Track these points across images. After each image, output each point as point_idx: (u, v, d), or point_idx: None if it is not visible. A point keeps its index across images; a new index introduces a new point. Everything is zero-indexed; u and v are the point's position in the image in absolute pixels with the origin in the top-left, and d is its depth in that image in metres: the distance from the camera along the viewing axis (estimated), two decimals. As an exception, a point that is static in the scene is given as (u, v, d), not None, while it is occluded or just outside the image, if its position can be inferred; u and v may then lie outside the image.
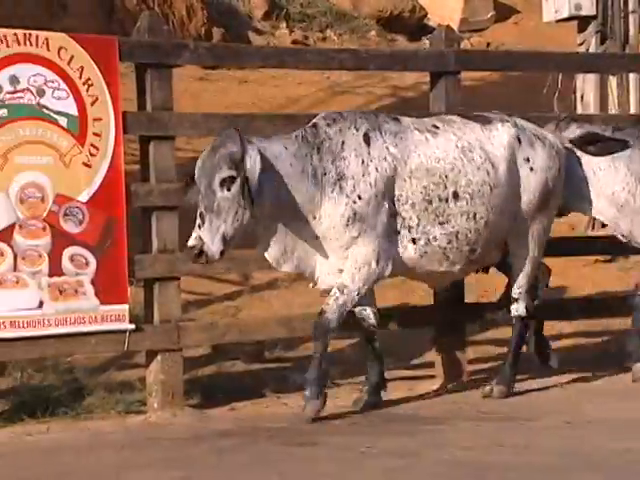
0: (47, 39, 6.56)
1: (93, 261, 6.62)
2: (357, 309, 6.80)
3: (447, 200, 6.74)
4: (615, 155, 7.38)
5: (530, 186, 7.08)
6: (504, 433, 6.15)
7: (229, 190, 6.21)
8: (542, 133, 7.31)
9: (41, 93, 6.50)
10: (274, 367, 7.87)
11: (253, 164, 6.18)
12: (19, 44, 6.45)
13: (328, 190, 6.51)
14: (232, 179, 6.20)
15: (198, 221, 6.22)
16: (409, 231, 6.70)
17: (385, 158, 6.62)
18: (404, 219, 6.68)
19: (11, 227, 6.42)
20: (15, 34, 6.48)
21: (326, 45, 15.75)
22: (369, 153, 6.60)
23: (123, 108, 6.87)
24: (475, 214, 6.82)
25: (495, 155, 6.94)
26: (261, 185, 6.23)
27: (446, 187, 6.73)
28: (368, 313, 6.85)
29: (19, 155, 6.46)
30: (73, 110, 6.63)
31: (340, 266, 6.60)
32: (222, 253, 6.26)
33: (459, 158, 6.81)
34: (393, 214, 6.65)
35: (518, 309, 7.21)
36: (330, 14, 17.17)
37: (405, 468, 5.36)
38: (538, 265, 7.34)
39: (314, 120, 6.75)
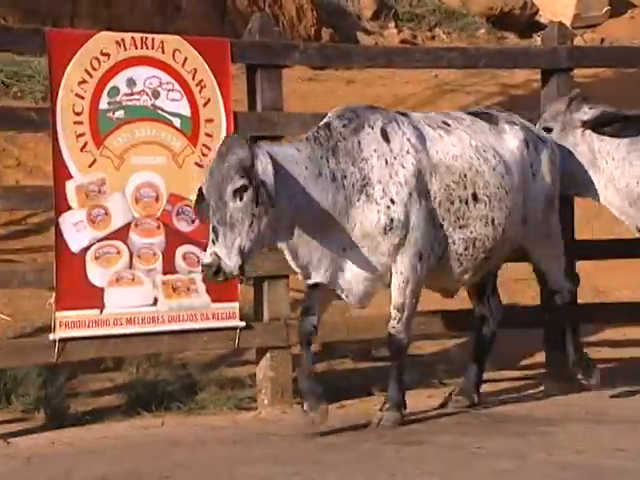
0: (162, 42, 6.75)
1: (206, 261, 6.82)
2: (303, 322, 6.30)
3: (467, 202, 6.35)
4: (633, 148, 6.92)
5: (535, 190, 6.73)
6: (618, 436, 6.09)
7: (241, 200, 5.81)
8: (542, 134, 6.96)
9: (156, 95, 6.69)
10: (382, 366, 7.92)
11: (265, 168, 5.82)
12: (136, 47, 6.65)
13: (354, 197, 6.14)
14: (244, 188, 5.80)
15: (212, 236, 5.89)
16: (438, 231, 6.31)
17: (408, 151, 6.24)
18: (435, 217, 6.29)
19: (127, 226, 6.61)
20: (132, 37, 6.68)
21: (435, 44, 15.75)
22: (391, 150, 6.21)
23: (234, 109, 6.99)
24: (493, 219, 6.44)
25: (507, 158, 6.58)
26: (277, 190, 5.85)
27: (465, 187, 6.36)
28: (312, 326, 6.30)
29: (135, 155, 6.65)
30: (186, 111, 6.79)
31: (377, 276, 6.25)
32: (241, 267, 5.86)
33: (476, 158, 6.44)
34: (430, 210, 6.27)
35: (564, 297, 6.99)
36: (439, 12, 17.13)
37: (515, 470, 5.36)
38: (563, 257, 7.00)
39: (327, 119, 6.38)
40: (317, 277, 6.19)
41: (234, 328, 6.89)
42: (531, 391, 7.49)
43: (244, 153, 5.81)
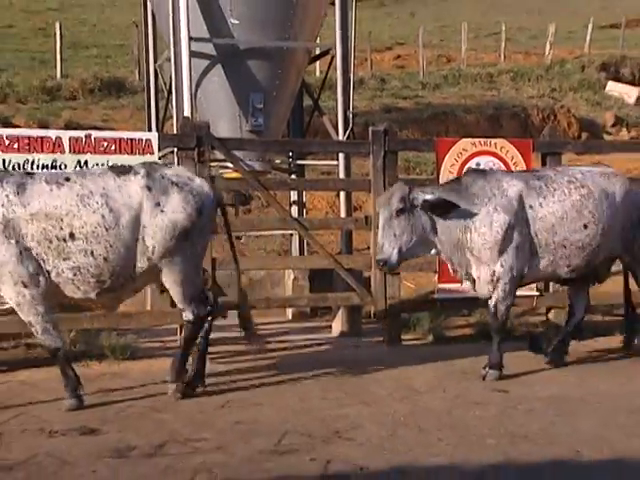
0: (495, 143, 6.96)
1: None
2: None
3: (65, 240, 4.83)
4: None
5: (163, 226, 4.95)
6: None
7: None
8: (185, 180, 5.10)
9: None
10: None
11: None
12: (481, 145, 6.88)
13: None
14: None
15: None
16: (44, 263, 4.83)
17: (3, 204, 4.79)
18: (38, 253, 4.82)
19: None
20: (479, 141, 6.94)
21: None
22: None
23: None
24: (93, 252, 4.85)
25: (116, 201, 4.89)
26: None
27: (62, 228, 4.84)
28: None
29: None
30: None
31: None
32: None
33: (76, 205, 4.84)
34: (26, 248, 4.79)
35: (187, 315, 5.20)
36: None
37: None
38: (193, 283, 5.15)
39: None
40: None
41: (532, 296, 6.86)
42: None
43: None
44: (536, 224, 5.55)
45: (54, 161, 5.98)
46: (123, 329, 6.58)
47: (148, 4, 9.13)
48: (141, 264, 4.97)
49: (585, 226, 5.64)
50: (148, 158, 6.17)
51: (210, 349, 6.00)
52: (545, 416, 4.57)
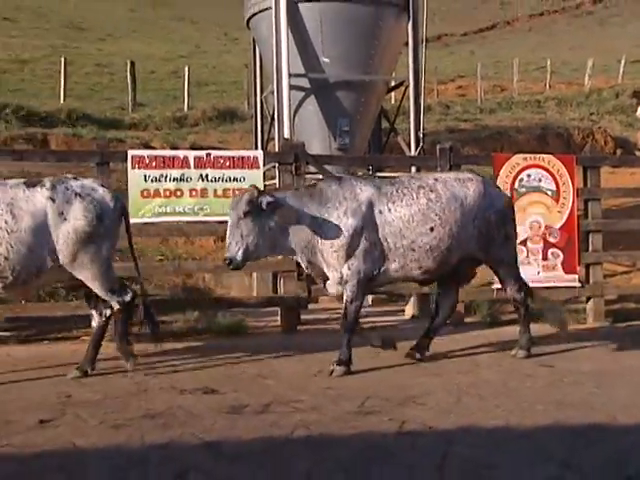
0: (544, 158, 6.71)
1: (561, 255, 6.59)
2: None
3: None
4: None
5: (65, 231, 4.53)
6: None
7: None
8: (88, 191, 4.62)
9: (540, 180, 6.59)
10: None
11: None
12: (531, 160, 6.60)
13: None
14: None
15: None
16: None
17: None
18: None
19: (525, 239, 6.50)
20: (527, 157, 6.65)
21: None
22: None
23: (577, 186, 6.73)
24: None
25: (22, 210, 4.47)
26: None
27: None
28: None
29: (530, 207, 6.58)
30: (553, 187, 6.62)
31: None
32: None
33: None
34: None
35: (113, 305, 4.72)
36: None
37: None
38: (106, 277, 4.65)
39: None
40: None
41: (574, 287, 6.64)
42: None
43: None
44: (385, 228, 4.74)
45: (182, 175, 6.11)
46: (235, 310, 6.64)
47: (256, 49, 9.44)
48: (46, 264, 4.56)
49: (432, 229, 4.81)
50: (255, 172, 6.25)
51: (302, 328, 5.97)
52: (586, 387, 4.40)
